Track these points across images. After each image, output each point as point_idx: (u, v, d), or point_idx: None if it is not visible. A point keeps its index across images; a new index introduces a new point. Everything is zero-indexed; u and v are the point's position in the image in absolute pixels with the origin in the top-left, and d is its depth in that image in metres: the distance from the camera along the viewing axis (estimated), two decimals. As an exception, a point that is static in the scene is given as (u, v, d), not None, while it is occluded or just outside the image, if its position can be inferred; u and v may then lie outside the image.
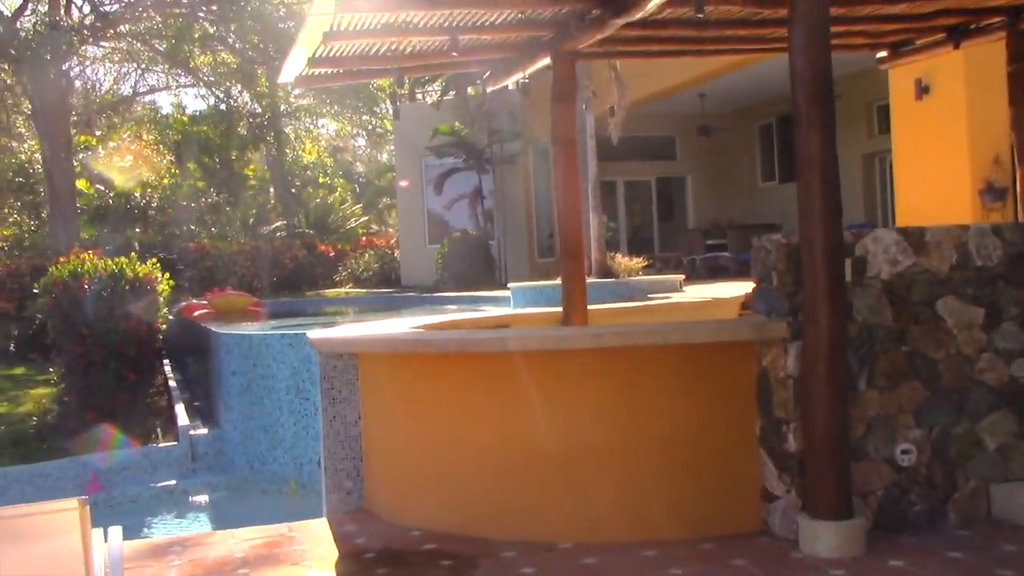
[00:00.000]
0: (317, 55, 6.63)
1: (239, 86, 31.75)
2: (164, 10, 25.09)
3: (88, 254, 11.91)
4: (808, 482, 4.36)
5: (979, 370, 4.73)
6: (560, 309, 7.20)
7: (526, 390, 4.79)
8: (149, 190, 29.16)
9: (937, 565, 4.09)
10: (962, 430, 4.69)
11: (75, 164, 27.22)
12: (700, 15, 5.49)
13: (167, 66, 31.80)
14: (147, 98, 38.33)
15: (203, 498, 9.55)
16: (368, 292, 22.80)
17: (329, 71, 7.25)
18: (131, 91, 36.96)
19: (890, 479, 4.59)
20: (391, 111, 23.65)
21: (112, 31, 25.63)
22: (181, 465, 9.90)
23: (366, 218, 34.49)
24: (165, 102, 49.10)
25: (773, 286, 4.57)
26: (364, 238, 30.64)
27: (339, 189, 36.16)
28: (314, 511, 5.66)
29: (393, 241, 28.54)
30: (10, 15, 24.74)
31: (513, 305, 11.96)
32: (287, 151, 33.31)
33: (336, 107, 32.68)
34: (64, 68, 24.97)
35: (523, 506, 4.77)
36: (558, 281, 7.25)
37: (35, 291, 12.82)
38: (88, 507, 2.93)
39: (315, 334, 5.71)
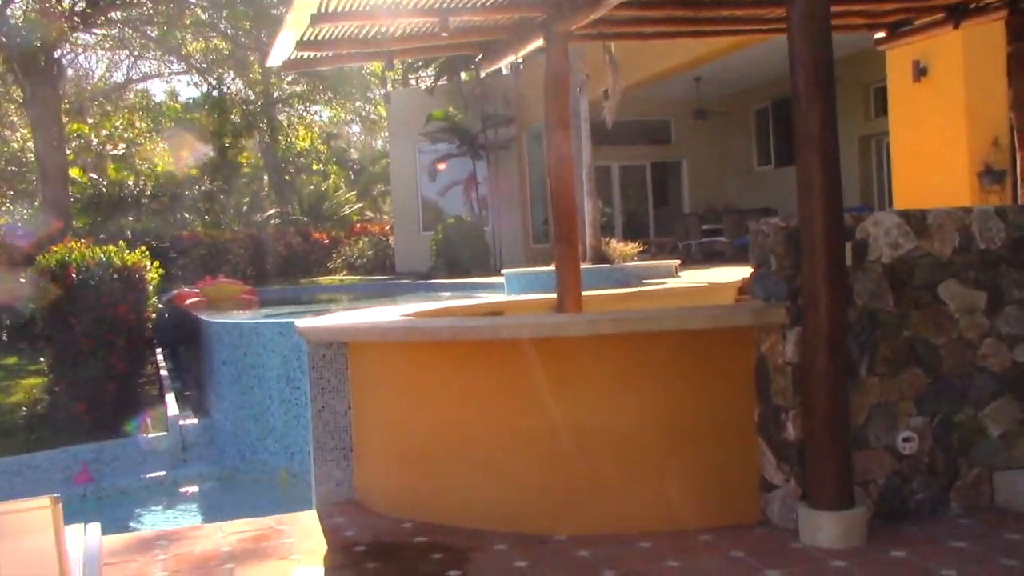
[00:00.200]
0: (305, 38, 6.52)
1: (231, 73, 31.51)
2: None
3: (76, 243, 11.77)
4: (808, 471, 4.26)
5: (982, 355, 4.63)
6: (554, 295, 7.11)
7: (519, 379, 4.69)
8: (143, 178, 28.97)
9: (940, 555, 4.00)
10: (964, 417, 4.59)
11: (68, 152, 27.03)
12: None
13: (159, 53, 31.56)
14: (140, 86, 38.13)
15: (193, 489, 9.44)
16: (362, 279, 22.69)
17: (318, 55, 7.13)
18: (124, 79, 36.74)
19: (891, 467, 4.49)
20: (390, 99, 23.43)
21: (103, 17, 25.37)
22: (171, 456, 9.77)
23: (360, 205, 34.34)
24: (159, 90, 48.93)
25: (772, 270, 4.46)
26: (358, 225, 30.51)
27: (333, 176, 35.99)
28: (306, 501, 5.56)
29: (388, 228, 28.41)
30: (0, 2, 24.48)
31: (507, 292, 11.84)
32: (280, 138, 33.07)
33: (330, 94, 32.43)
34: (56, 56, 24.74)
35: (517, 497, 4.67)
36: (553, 267, 7.13)
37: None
38: (60, 505, 2.81)
39: (303, 323, 5.59)
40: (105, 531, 5.16)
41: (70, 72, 34.43)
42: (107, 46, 31.81)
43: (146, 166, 32.76)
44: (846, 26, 7.92)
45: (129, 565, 4.47)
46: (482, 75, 9.43)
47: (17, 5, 24.64)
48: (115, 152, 33.78)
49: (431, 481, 4.93)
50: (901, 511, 4.48)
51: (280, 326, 9.14)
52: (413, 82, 26.81)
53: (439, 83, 23.98)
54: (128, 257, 11.12)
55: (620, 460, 4.56)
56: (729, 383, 4.59)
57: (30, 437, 10.11)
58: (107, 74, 36.02)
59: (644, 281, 11.09)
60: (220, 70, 31.18)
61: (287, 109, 34.75)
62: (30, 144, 27.66)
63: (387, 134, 29.71)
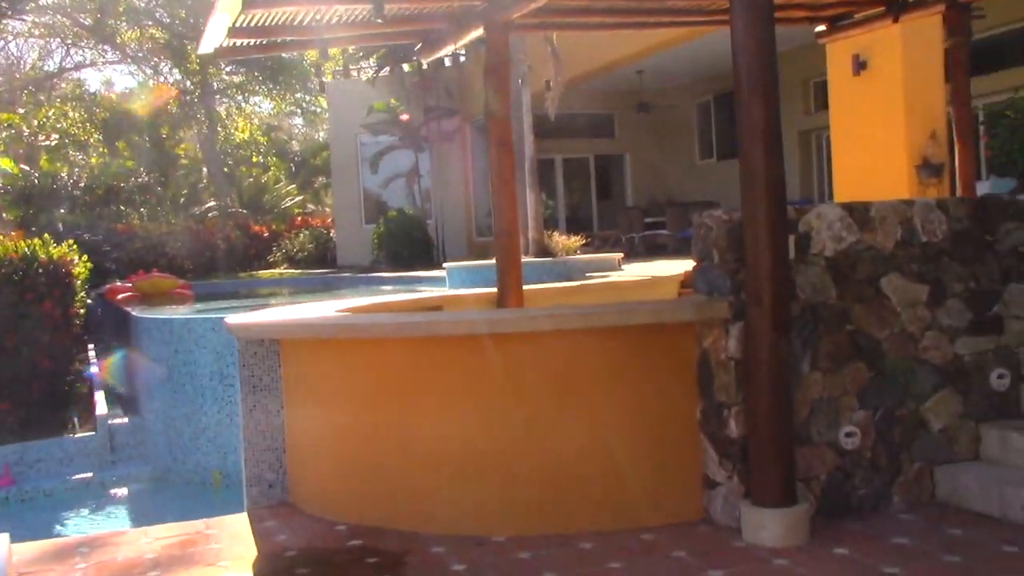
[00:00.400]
0: (238, 24, 6.30)
1: (168, 63, 30.87)
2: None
3: (1, 237, 11.34)
4: (751, 468, 4.19)
5: (923, 348, 4.60)
6: (496, 290, 6.98)
7: (455, 376, 4.55)
8: (76, 170, 28.24)
9: (883, 552, 3.94)
10: (907, 411, 4.56)
11: (-3, 143, 26.28)
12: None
13: (93, 42, 30.79)
14: (74, 75, 37.17)
15: (122, 491, 9.13)
16: (303, 273, 22.37)
17: (251, 42, 6.91)
18: (56, 68, 35.80)
19: (834, 463, 4.43)
20: (325, 88, 23.13)
21: (32, 3, 24.65)
22: (99, 456, 9.43)
23: (301, 197, 33.89)
24: (94, 80, 47.76)
25: (714, 264, 4.38)
26: (299, 218, 30.11)
27: (273, 168, 35.47)
28: (240, 503, 5.37)
29: (330, 221, 28.05)
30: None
31: (449, 285, 11.69)
32: (219, 129, 32.49)
33: (269, 84, 31.91)
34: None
35: (454, 498, 4.54)
36: (494, 261, 7.01)
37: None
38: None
39: (233, 319, 5.39)
40: (25, 537, 4.95)
41: (1, 60, 33.52)
42: (38, 33, 30.91)
43: (80, 157, 32.02)
44: (787, 19, 7.90)
45: (47, 575, 4.24)
46: (424, 65, 9.27)
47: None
48: (48, 143, 32.95)
49: (366, 482, 4.77)
50: (843, 507, 4.43)
51: (212, 322, 8.86)
52: (355, 73, 26.47)
53: (381, 74, 23.70)
54: (54, 251, 10.73)
55: (559, 458, 4.45)
56: (671, 379, 4.49)
57: (-51, 438, 9.72)
58: (39, 63, 35.04)
59: (587, 275, 11.01)
60: (156, 59, 30.51)
61: (225, 100, 34.16)
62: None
63: (328, 126, 29.33)
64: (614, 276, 10.65)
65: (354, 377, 4.86)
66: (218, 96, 32.88)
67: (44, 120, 32.71)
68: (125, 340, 11.94)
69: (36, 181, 26.39)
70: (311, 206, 35.92)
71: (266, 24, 6.49)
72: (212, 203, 29.50)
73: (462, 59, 23.71)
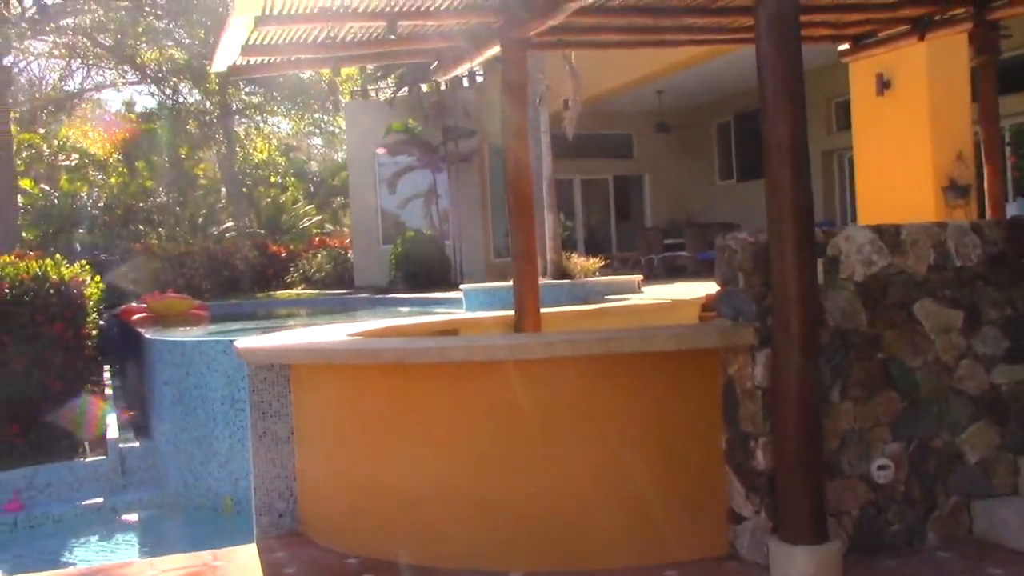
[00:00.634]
0: (251, 42, 6.23)
1: (188, 82, 30.98)
2: (108, 3, 24.31)
3: (9, 256, 11.22)
4: (779, 502, 3.99)
5: (958, 378, 4.40)
6: (513, 312, 6.82)
7: (471, 403, 4.38)
8: (96, 189, 28.34)
9: (919, 592, 3.75)
10: (941, 443, 4.36)
11: (18, 163, 26.36)
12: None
13: (113, 62, 30.96)
14: (94, 95, 37.39)
15: (133, 517, 8.96)
16: (319, 293, 22.25)
17: (265, 60, 6.84)
18: (77, 88, 36.02)
19: (866, 497, 4.24)
20: (340, 107, 23.11)
21: (54, 25, 24.79)
22: (110, 481, 9.28)
23: (320, 218, 33.87)
24: (115, 100, 48.06)
25: (739, 288, 4.20)
26: (317, 238, 30.05)
27: (291, 188, 35.49)
28: (251, 530, 5.21)
29: (348, 241, 27.98)
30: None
31: (466, 307, 11.54)
32: (238, 150, 32.55)
33: (288, 104, 31.97)
34: (4, 63, 24.12)
35: (469, 531, 4.36)
36: (512, 283, 6.86)
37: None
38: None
39: (243, 343, 5.24)
40: (30, 566, 4.82)
41: (23, 80, 33.73)
42: (58, 54, 31.10)
43: (100, 177, 32.16)
44: (810, 37, 7.74)
45: (46, 609, 4.09)
46: (442, 86, 9.18)
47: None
48: (68, 163, 33.13)
49: (378, 514, 4.60)
50: (876, 543, 4.23)
51: (224, 344, 8.71)
52: (373, 93, 26.46)
53: (399, 94, 23.65)
54: (66, 271, 10.63)
55: (577, 489, 4.27)
56: (694, 408, 4.32)
57: (-41, 462, 9.59)
58: (60, 83, 35.26)
59: (606, 297, 10.83)
60: (175, 80, 30.64)
61: (244, 120, 34.26)
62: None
63: (346, 146, 29.32)
64: (634, 299, 10.46)
65: (366, 403, 4.71)
66: (237, 116, 32.96)
67: (64, 140, 32.88)
68: (139, 362, 11.84)
69: (56, 201, 26.50)
70: (329, 226, 35.89)
71: (280, 42, 6.42)
72: (230, 223, 29.50)
73: (479, 80, 23.66)
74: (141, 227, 27.29)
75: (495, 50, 6.79)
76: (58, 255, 11.53)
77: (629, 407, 4.30)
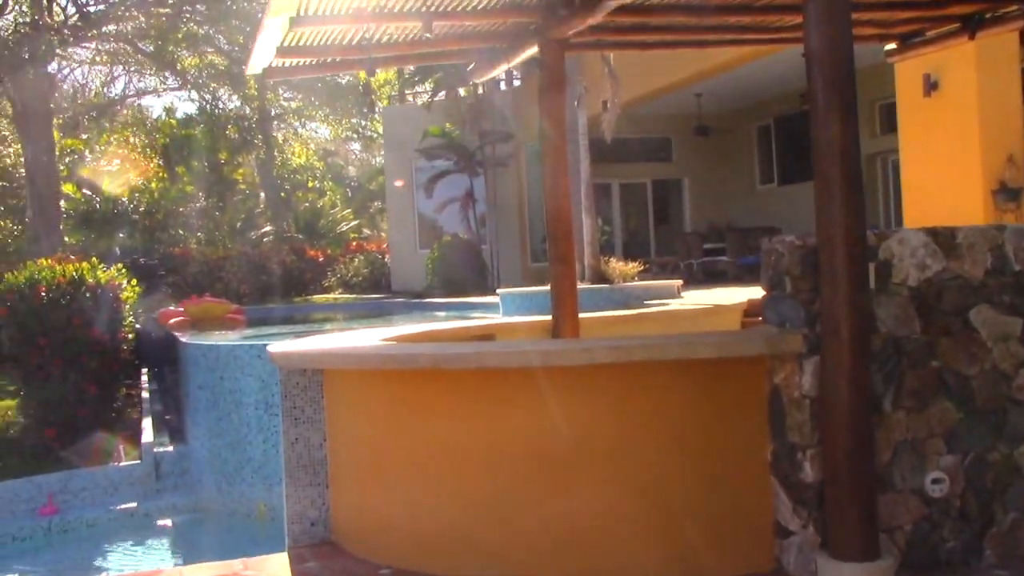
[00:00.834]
0: (287, 43, 6.17)
1: (227, 88, 31.21)
2: (148, 10, 24.53)
3: (46, 260, 11.24)
4: (828, 517, 3.83)
5: (1017, 387, 4.20)
6: (550, 318, 6.69)
7: (508, 411, 4.26)
8: (137, 195, 28.59)
9: (977, 613, 3.56)
10: (999, 456, 4.16)
11: (61, 168, 26.64)
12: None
13: (154, 68, 31.27)
14: (136, 101, 37.82)
15: (166, 522, 8.91)
16: (356, 298, 22.28)
17: (300, 62, 6.78)
18: (119, 94, 36.44)
19: (919, 512, 4.05)
20: (377, 112, 23.14)
21: (95, 31, 25.05)
22: (144, 485, 9.25)
23: (357, 222, 33.98)
24: (157, 106, 48.66)
25: (786, 293, 4.03)
26: (355, 243, 30.14)
27: (329, 193, 35.65)
28: (283, 538, 5.12)
29: (385, 246, 28.02)
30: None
31: (503, 312, 11.41)
32: (276, 155, 32.73)
33: (326, 110, 32.11)
34: (48, 69, 24.40)
35: (506, 542, 4.23)
36: (549, 287, 6.73)
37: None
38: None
39: (275, 347, 5.16)
40: (67, 570, 4.76)
41: (66, 87, 34.19)
42: (100, 61, 31.47)
43: (141, 182, 32.44)
44: (857, 36, 7.48)
45: (73, 618, 4.02)
46: (479, 90, 9.08)
47: (8, 18, 24.32)
48: (110, 168, 33.47)
49: (411, 524, 4.49)
50: (930, 561, 4.04)
51: (259, 348, 8.64)
52: (410, 98, 26.48)
53: (436, 98, 23.63)
54: (102, 275, 10.63)
55: (618, 502, 4.13)
56: (738, 417, 4.16)
57: (-5, 465, 9.61)
58: (102, 89, 35.68)
59: (645, 303, 10.65)
60: (215, 85, 30.87)
61: (283, 125, 34.46)
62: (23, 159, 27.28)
63: (383, 151, 29.37)
64: (674, 304, 10.28)
65: (398, 410, 4.60)
66: (275, 121, 33.16)
67: (106, 146, 33.22)
68: (175, 366, 11.85)
69: (98, 206, 26.76)
70: (367, 231, 36.02)
71: (315, 43, 6.35)
72: (268, 228, 29.66)
73: (516, 83, 23.58)
74: (181, 231, 27.50)
75: (533, 50, 6.68)
76: (94, 259, 11.55)
77: (670, 416, 4.15)
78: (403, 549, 4.49)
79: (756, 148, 22.29)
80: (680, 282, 12.72)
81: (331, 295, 24.31)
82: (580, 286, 7.44)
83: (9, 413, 11.37)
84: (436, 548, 4.38)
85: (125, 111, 36.97)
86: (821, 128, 3.78)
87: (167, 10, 25.02)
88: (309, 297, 23.85)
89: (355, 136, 38.82)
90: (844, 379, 3.73)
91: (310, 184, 36.15)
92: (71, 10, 25.29)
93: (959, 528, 4.09)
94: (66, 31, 23.45)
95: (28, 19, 23.44)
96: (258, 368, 8.52)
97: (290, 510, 4.91)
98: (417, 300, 18.94)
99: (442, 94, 23.42)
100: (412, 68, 23.90)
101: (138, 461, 9.54)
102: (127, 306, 11.16)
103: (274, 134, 32.98)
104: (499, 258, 22.64)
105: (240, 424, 8.71)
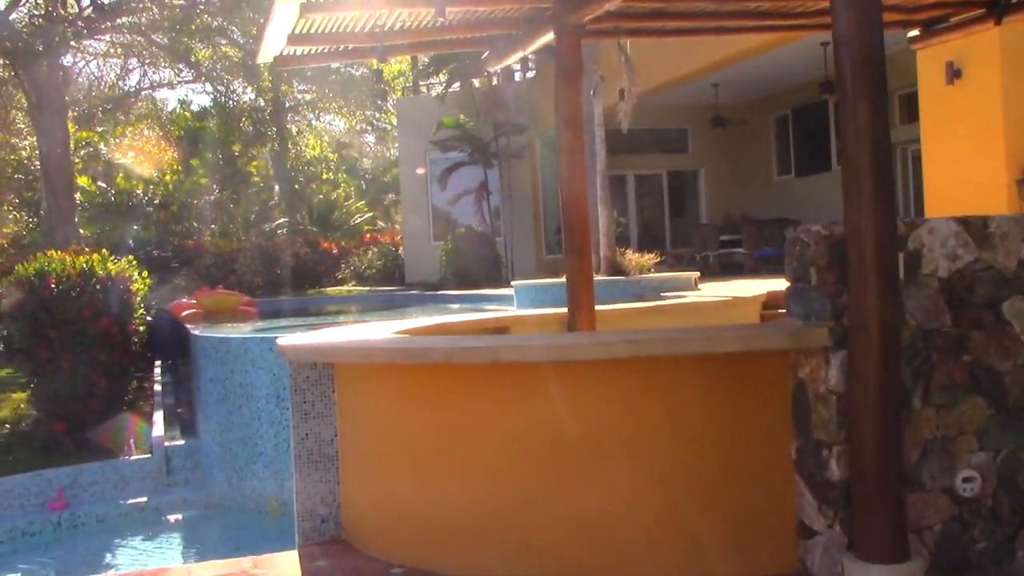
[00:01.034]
0: (297, 31, 6.05)
1: (241, 80, 31.17)
2: (162, 1, 24.48)
3: (56, 252, 11.13)
4: (855, 517, 3.69)
5: (1052, 383, 4.04)
6: (566, 310, 6.56)
7: (523, 406, 4.13)
8: (151, 187, 28.59)
9: (1011, 618, 3.42)
10: (1032, 454, 4.01)
11: (76, 160, 26.67)
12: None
13: (168, 60, 31.25)
14: (150, 94, 37.83)
15: (177, 517, 8.83)
16: (370, 290, 22.20)
17: (311, 50, 6.66)
18: (134, 87, 36.45)
19: (949, 512, 3.91)
20: (391, 103, 23.05)
21: (109, 23, 25.02)
22: (154, 480, 9.16)
23: (371, 214, 33.92)
24: (171, 98, 48.76)
25: (812, 285, 3.89)
26: (368, 235, 30.08)
27: (343, 185, 35.59)
28: (295, 533, 5.02)
29: (399, 238, 27.95)
30: (4, 6, 24.18)
31: (517, 305, 11.29)
32: (290, 147, 32.67)
33: (340, 102, 32.02)
34: (62, 62, 24.40)
35: (521, 541, 4.11)
36: (564, 279, 6.60)
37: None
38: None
39: (285, 340, 5.04)
40: (76, 565, 4.67)
41: (81, 79, 34.20)
42: (115, 53, 31.46)
43: (155, 175, 32.47)
44: (879, 22, 7.37)
45: (78, 618, 3.93)
46: (494, 81, 8.95)
47: (23, 10, 24.31)
48: (124, 161, 33.50)
49: (424, 522, 4.37)
50: (961, 562, 3.90)
51: (270, 341, 8.51)
52: (424, 89, 26.37)
53: (450, 90, 23.50)
54: (112, 266, 10.53)
55: (638, 501, 4.00)
56: (761, 413, 4.02)
57: (6, 458, 9.51)
58: (117, 82, 35.70)
59: (662, 295, 10.51)
60: (229, 77, 30.82)
61: (297, 117, 34.40)
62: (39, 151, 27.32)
63: (397, 143, 29.28)
64: (691, 296, 10.13)
65: (410, 405, 4.48)
66: (290, 114, 33.10)
67: (120, 138, 33.25)
68: (187, 359, 11.78)
69: (113, 198, 26.78)
70: (381, 223, 35.96)
71: (327, 31, 6.23)
72: (282, 220, 29.62)
73: (531, 74, 23.41)
74: (195, 224, 27.49)
75: (548, 37, 6.54)
76: (105, 250, 11.47)
77: (689, 412, 4.02)
78: (415, 547, 4.38)
79: (773, 139, 22.08)
80: (697, 274, 12.56)
81: (344, 287, 24.25)
82: (596, 278, 7.31)
83: (21, 406, 11.31)
84: (448, 546, 4.27)
85: (140, 104, 36.99)
86: (850, 114, 3.64)
87: (181, 2, 24.99)
88: (323, 289, 23.80)
89: (369, 128, 38.75)
90: (872, 374, 3.59)
91: (324, 176, 36.10)
92: (85, 2, 25.28)
93: (991, 529, 3.95)
94: (80, 23, 23.41)
95: (43, 11, 23.43)
96: (269, 361, 8.41)
97: (300, 507, 4.81)
98: (431, 292, 18.84)
99: (456, 85, 23.29)
100: (426, 59, 23.81)
101: (149, 455, 9.46)
102: (138, 298, 11.05)
103: (288, 126, 32.92)
104: (513, 250, 22.52)
105: (251, 418, 8.61)
